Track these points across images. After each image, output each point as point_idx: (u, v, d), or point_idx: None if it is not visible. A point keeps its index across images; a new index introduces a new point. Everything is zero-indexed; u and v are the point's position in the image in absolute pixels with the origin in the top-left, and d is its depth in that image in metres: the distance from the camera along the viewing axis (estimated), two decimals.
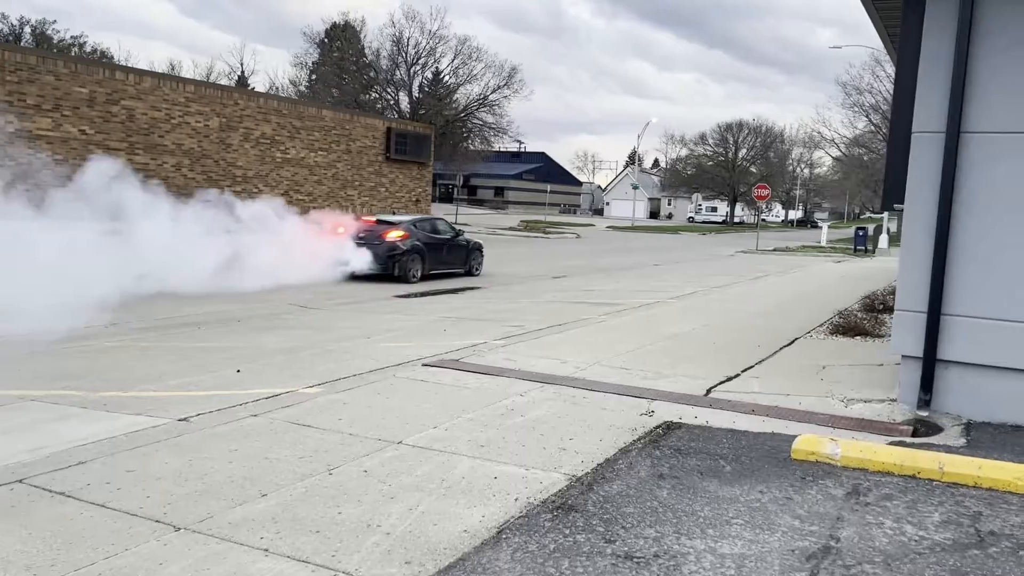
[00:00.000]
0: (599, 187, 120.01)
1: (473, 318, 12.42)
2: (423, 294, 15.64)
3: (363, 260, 17.16)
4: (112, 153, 29.38)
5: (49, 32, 55.33)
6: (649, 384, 7.83)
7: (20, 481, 4.56)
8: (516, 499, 4.63)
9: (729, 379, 8.18)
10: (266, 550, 3.82)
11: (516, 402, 6.94)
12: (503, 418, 6.40)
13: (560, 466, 5.26)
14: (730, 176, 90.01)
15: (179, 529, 4.02)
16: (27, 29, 54.47)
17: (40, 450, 5.19)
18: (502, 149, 68.67)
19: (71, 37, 56.79)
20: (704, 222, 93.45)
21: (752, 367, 8.83)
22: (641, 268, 24.90)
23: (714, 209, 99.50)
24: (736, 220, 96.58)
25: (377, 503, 4.48)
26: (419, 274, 17.91)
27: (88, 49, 56.49)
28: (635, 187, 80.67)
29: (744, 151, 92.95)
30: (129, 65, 41.89)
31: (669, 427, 6.24)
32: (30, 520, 4.03)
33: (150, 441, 5.47)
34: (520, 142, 69.74)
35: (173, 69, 61.73)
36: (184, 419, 6.07)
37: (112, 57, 57.02)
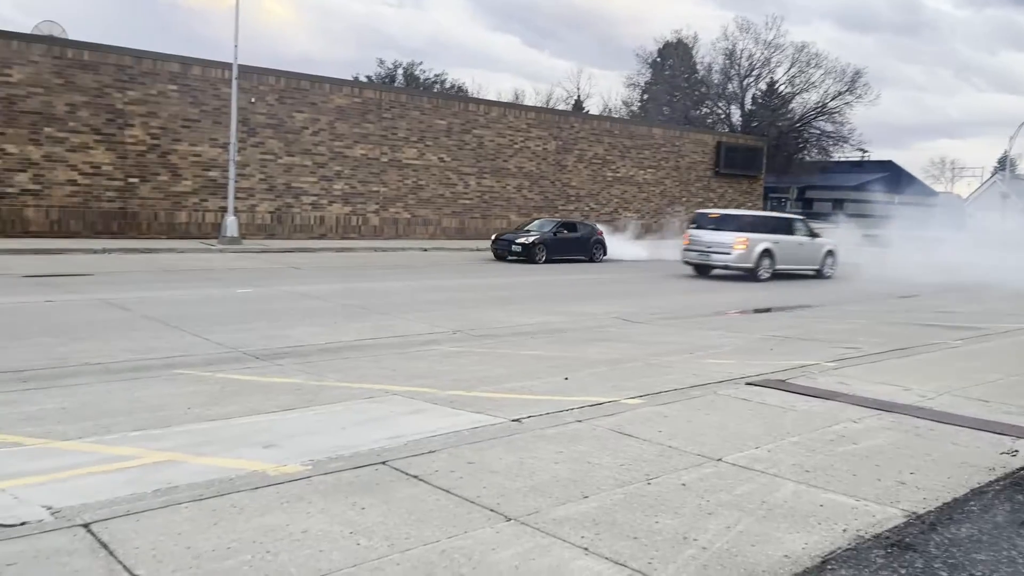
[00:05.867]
0: (958, 197, 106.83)
1: (802, 337, 11.80)
2: (756, 311, 15.18)
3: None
4: (463, 177, 32.65)
5: (416, 72, 62.98)
6: (1014, 420, 6.85)
7: (383, 463, 5.27)
8: (844, 530, 4.34)
9: None
10: (586, 549, 4.01)
11: (848, 428, 6.48)
12: (832, 444, 6.02)
13: (897, 501, 4.82)
14: None
15: (509, 520, 4.37)
16: (399, 71, 62.57)
17: (398, 438, 5.95)
18: (842, 159, 64.16)
19: (434, 76, 64.13)
20: None
21: None
22: (1012, 286, 21.67)
23: None
24: None
25: (695, 517, 4.48)
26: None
27: (447, 85, 63.33)
28: (1005, 196, 70.55)
29: None
30: (480, 97, 46.14)
31: None
32: (389, 497, 4.65)
33: (488, 437, 5.99)
34: (863, 150, 64.60)
35: (517, 98, 66.81)
36: (517, 420, 6.55)
37: (466, 91, 63.21)
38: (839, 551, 4.05)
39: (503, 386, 7.96)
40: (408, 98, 31.74)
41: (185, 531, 4.03)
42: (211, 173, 25.99)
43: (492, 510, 4.48)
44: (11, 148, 22.48)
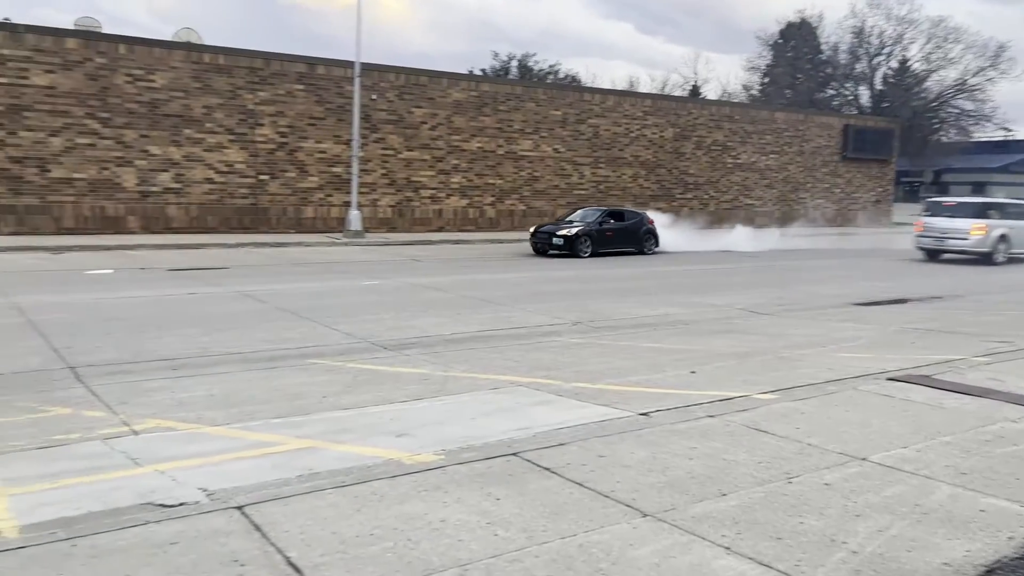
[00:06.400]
0: None
1: (945, 330, 11.11)
2: (891, 301, 14.41)
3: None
4: (578, 167, 32.53)
5: (530, 64, 63.18)
6: None
7: (515, 454, 5.29)
8: (1010, 538, 4.04)
9: None
10: (728, 548, 3.89)
11: (1007, 428, 6.04)
12: (989, 445, 5.62)
13: None
14: None
15: (646, 516, 4.29)
16: (513, 64, 62.92)
17: (527, 429, 5.96)
18: (983, 139, 60.12)
19: (547, 67, 64.12)
20: None
21: None
22: None
23: None
24: None
25: (841, 519, 4.27)
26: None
27: (561, 76, 63.20)
28: None
29: None
30: (594, 86, 45.81)
31: None
32: (524, 488, 4.66)
33: (616, 431, 5.93)
34: (1008, 129, 60.32)
35: (631, 86, 65.95)
36: (644, 414, 6.45)
37: (580, 81, 62.92)
38: (1006, 560, 3.78)
39: (628, 379, 7.86)
40: (523, 90, 31.87)
41: (330, 516, 4.17)
42: (335, 169, 26.92)
43: (628, 505, 4.42)
44: (155, 149, 23.97)
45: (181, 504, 4.37)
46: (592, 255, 22.19)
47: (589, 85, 52.93)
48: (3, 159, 21.87)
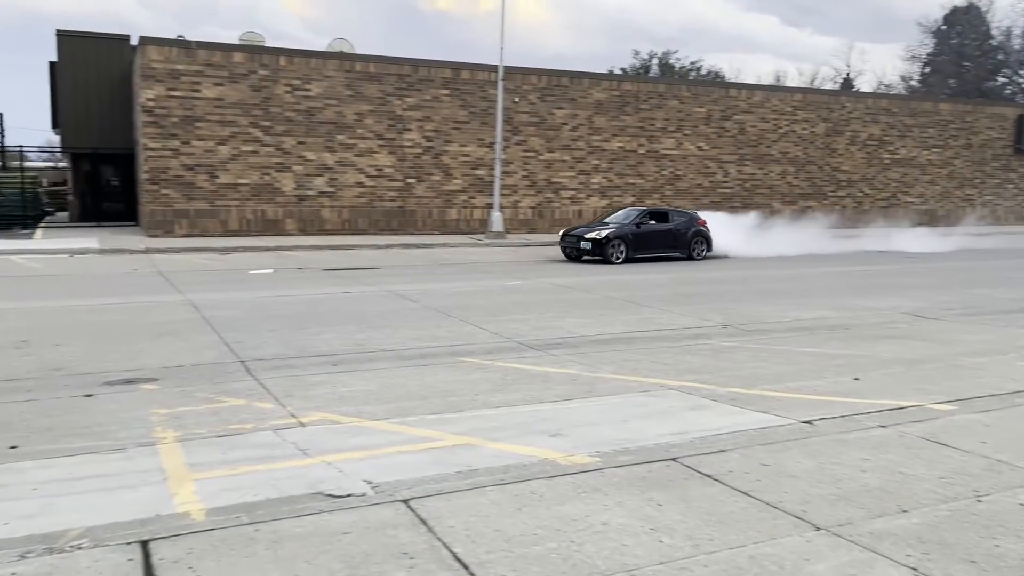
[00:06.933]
0: None
1: None
2: None
3: None
4: (723, 165, 31.65)
5: (671, 62, 62.07)
6: None
7: (674, 459, 5.16)
8: None
9: None
10: (914, 569, 3.62)
11: None
12: None
13: None
14: None
15: (819, 529, 4.07)
16: (654, 62, 62.03)
17: (683, 434, 5.81)
18: None
19: (690, 63, 62.77)
20: None
21: None
22: None
23: None
24: None
25: None
26: None
27: (703, 72, 61.75)
28: None
29: None
30: (740, 82, 44.45)
31: None
32: (686, 495, 4.53)
33: (779, 439, 5.67)
34: None
35: (778, 80, 63.55)
36: (808, 422, 6.15)
37: (723, 76, 61.26)
38: None
39: (786, 385, 7.53)
40: (666, 88, 31.32)
41: (492, 514, 4.20)
42: (478, 172, 27.41)
43: (798, 517, 4.21)
44: (310, 155, 25.23)
45: (348, 495, 4.53)
46: (627, 260, 20.10)
47: (734, 80, 51.42)
48: (178, 167, 23.65)
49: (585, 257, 20.05)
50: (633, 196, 30.05)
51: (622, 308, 12.37)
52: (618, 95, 29.59)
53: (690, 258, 21.26)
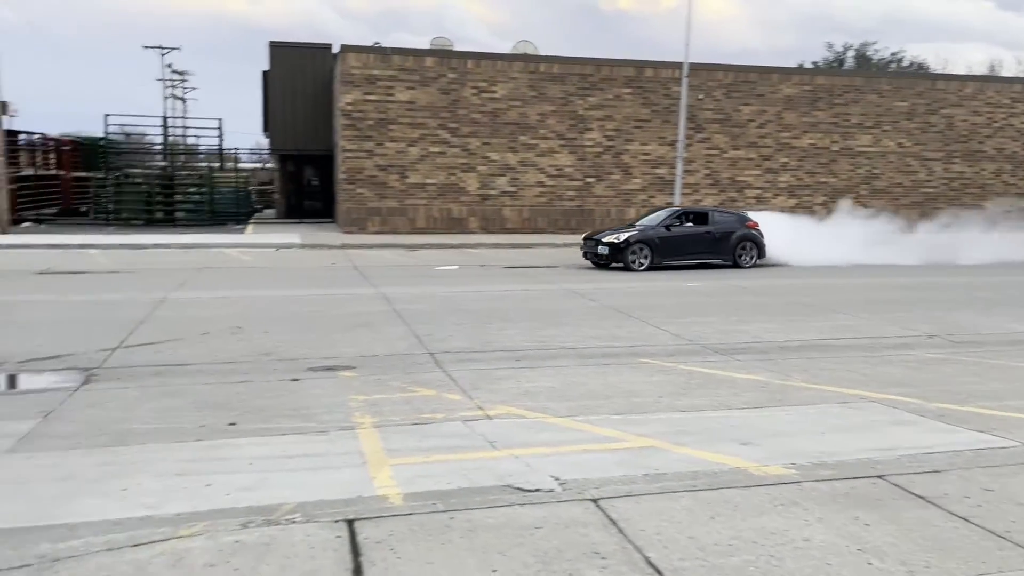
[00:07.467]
0: None
1: None
2: None
3: None
4: (926, 163, 29.30)
5: (868, 53, 58.23)
6: None
7: (880, 477, 4.81)
8: None
9: None
10: None
11: None
12: None
13: None
14: None
15: None
16: (848, 54, 58.45)
17: (889, 451, 5.40)
18: None
19: (890, 55, 58.58)
20: None
21: None
22: None
23: None
24: None
25: None
26: None
27: (905, 64, 57.47)
28: None
29: None
30: (949, 73, 40.97)
31: None
32: (896, 516, 4.20)
33: (1001, 462, 5.15)
34: None
35: (992, 70, 57.98)
36: None
37: (928, 68, 56.73)
38: None
39: (1005, 403, 6.84)
40: (864, 81, 29.40)
41: (684, 521, 4.09)
42: (659, 170, 26.99)
43: None
44: (494, 155, 25.87)
45: (536, 490, 4.57)
46: (651, 267, 17.73)
47: (940, 72, 47.49)
48: (372, 167, 25.01)
49: (602, 262, 18.00)
50: (824, 196, 28.49)
51: (812, 313, 11.72)
52: (810, 90, 28.14)
53: (736, 265, 18.68)
